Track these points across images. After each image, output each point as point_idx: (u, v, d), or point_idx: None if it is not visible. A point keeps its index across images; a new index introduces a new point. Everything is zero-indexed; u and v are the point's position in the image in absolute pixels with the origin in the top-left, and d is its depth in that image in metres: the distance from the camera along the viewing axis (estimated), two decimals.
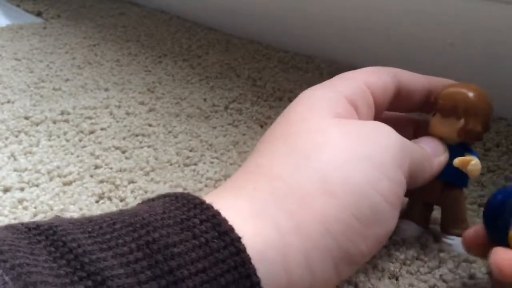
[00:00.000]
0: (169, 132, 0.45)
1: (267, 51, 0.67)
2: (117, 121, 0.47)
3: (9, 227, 0.18)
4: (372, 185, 0.23)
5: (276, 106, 0.51)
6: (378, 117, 0.29)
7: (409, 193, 0.30)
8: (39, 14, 0.89)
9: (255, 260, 0.19)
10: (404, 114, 0.33)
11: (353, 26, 0.60)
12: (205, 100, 0.52)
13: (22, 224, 0.18)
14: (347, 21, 0.61)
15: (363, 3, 0.59)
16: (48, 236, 0.18)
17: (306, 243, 0.21)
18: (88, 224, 0.18)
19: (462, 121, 0.29)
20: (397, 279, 0.28)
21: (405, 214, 0.31)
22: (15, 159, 0.40)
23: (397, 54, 0.56)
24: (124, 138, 0.44)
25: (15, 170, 0.38)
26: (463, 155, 0.29)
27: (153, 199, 0.22)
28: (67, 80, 0.58)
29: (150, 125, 0.46)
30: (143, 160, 0.40)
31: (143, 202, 0.22)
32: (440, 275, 0.28)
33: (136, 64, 0.63)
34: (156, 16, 0.86)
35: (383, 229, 0.23)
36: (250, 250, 0.19)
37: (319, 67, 0.61)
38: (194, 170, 0.39)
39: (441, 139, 0.29)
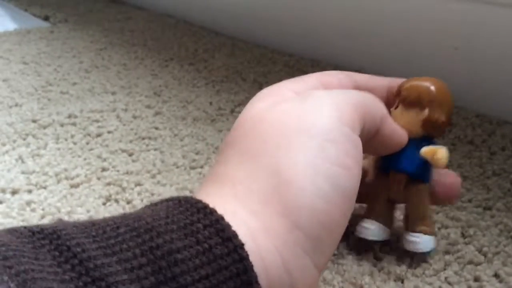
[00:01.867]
0: (175, 135, 0.46)
1: (272, 55, 0.67)
2: (124, 124, 0.47)
3: (12, 231, 0.18)
4: (319, 155, 0.22)
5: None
6: None
7: (372, 191, 0.30)
8: (46, 19, 0.90)
9: None
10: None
11: (358, 30, 0.60)
12: (211, 103, 0.53)
13: (25, 227, 0.18)
14: (352, 26, 0.61)
15: (368, 8, 0.59)
16: (52, 240, 0.18)
17: (276, 242, 0.21)
18: (92, 228, 0.18)
19: (426, 111, 0.28)
20: (402, 282, 0.28)
21: (368, 213, 0.30)
22: (23, 162, 0.41)
23: (402, 58, 0.56)
24: (131, 141, 0.44)
25: (23, 173, 0.39)
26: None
27: (156, 203, 0.22)
28: (74, 83, 0.58)
29: (156, 128, 0.47)
30: (150, 162, 0.41)
31: (147, 206, 0.22)
32: (445, 278, 0.28)
33: (142, 68, 0.64)
34: (163, 20, 0.87)
35: (347, 193, 0.23)
36: None
37: (324, 70, 0.61)
38: (200, 173, 0.39)
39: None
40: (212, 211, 0.20)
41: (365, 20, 0.59)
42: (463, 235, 0.32)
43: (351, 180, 0.23)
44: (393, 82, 0.31)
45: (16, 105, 0.52)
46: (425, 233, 0.29)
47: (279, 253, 0.20)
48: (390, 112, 0.28)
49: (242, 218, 0.21)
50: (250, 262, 0.19)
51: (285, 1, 0.68)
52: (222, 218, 0.20)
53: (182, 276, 0.18)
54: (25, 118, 0.48)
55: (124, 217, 0.20)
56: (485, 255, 0.30)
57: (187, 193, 0.36)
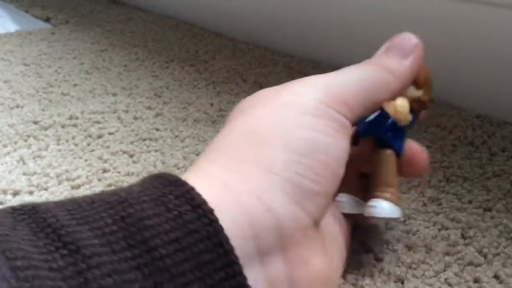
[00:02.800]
0: (176, 136, 0.46)
1: (273, 56, 0.68)
2: (125, 126, 0.48)
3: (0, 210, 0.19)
4: (293, 123, 0.24)
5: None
6: None
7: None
8: (47, 20, 0.90)
9: (228, 228, 0.20)
10: None
11: (359, 32, 0.61)
12: (211, 104, 0.53)
13: (10, 206, 0.19)
14: (353, 27, 0.61)
15: (369, 9, 0.59)
16: (30, 215, 0.19)
17: (253, 187, 0.22)
18: (68, 204, 0.20)
19: (421, 91, 0.29)
20: (402, 283, 0.28)
21: (342, 186, 0.27)
22: (24, 163, 0.41)
23: None
24: (131, 143, 0.44)
25: (24, 174, 0.39)
26: (403, 131, 0.28)
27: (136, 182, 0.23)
28: (75, 85, 0.58)
29: (157, 130, 0.47)
30: (151, 164, 0.41)
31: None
32: (445, 279, 0.29)
33: (143, 69, 0.64)
34: (164, 21, 0.87)
35: (326, 155, 0.23)
36: (224, 220, 0.20)
37: (325, 72, 0.61)
38: None
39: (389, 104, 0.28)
40: (183, 183, 0.21)
41: (366, 22, 0.59)
42: (463, 236, 0.32)
43: (329, 142, 0.24)
44: None
45: (17, 106, 0.52)
46: (386, 199, 0.27)
47: (258, 195, 0.21)
48: None
49: (214, 173, 0.22)
50: (220, 225, 0.19)
51: (286, 2, 0.69)
52: (192, 188, 0.20)
53: (152, 239, 0.18)
54: (26, 119, 0.48)
55: (101, 193, 0.21)
56: (485, 256, 0.30)
57: None
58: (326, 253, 0.24)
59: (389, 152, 0.28)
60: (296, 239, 0.22)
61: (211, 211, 0.19)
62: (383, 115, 0.28)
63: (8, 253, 0.16)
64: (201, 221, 0.19)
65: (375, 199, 0.28)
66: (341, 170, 0.25)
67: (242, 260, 0.19)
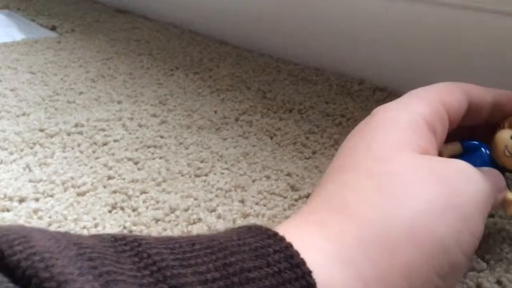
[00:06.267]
0: (181, 143, 0.46)
1: (277, 64, 0.68)
2: (130, 133, 0.48)
3: (96, 236, 0.19)
4: (455, 239, 0.22)
5: (286, 118, 0.51)
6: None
7: None
8: (53, 29, 0.91)
9: None
10: None
11: (362, 39, 0.61)
12: (216, 112, 0.53)
13: (109, 234, 0.19)
14: (356, 34, 0.61)
15: (372, 16, 0.59)
16: (133, 247, 0.18)
17: None
18: (170, 242, 0.19)
19: None
20: None
21: None
22: (30, 170, 0.41)
23: (406, 66, 0.56)
24: (136, 150, 0.45)
25: (30, 181, 0.39)
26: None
27: (226, 230, 0.22)
28: (81, 93, 0.59)
29: (162, 137, 0.47)
30: (155, 171, 0.41)
31: (217, 232, 0.22)
32: None
33: (148, 77, 0.64)
34: (168, 30, 0.88)
35: (456, 280, 0.23)
36: None
37: (329, 79, 0.62)
38: (205, 181, 0.40)
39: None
40: (282, 238, 0.20)
41: (369, 29, 0.60)
42: None
43: (464, 266, 0.23)
44: (499, 98, 0.30)
45: (24, 114, 0.52)
46: None
47: None
48: (495, 132, 0.29)
49: (358, 263, 0.21)
50: None
51: (290, 10, 0.69)
52: (291, 245, 0.20)
53: None
54: (32, 127, 0.49)
55: (198, 236, 0.20)
56: (487, 262, 0.30)
57: (191, 201, 0.37)
58: None
59: None
60: None
61: (309, 273, 0.19)
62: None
63: None
64: (300, 283, 0.19)
65: None
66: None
67: None
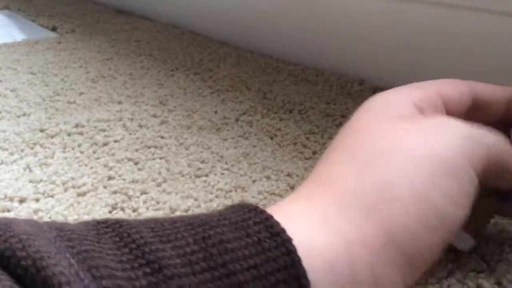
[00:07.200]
0: (181, 144, 0.46)
1: (277, 64, 0.68)
2: (130, 134, 0.48)
3: (83, 222, 0.20)
4: (437, 186, 0.22)
5: (286, 118, 0.51)
6: None
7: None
8: (54, 29, 0.91)
9: (322, 270, 0.20)
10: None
11: (362, 39, 0.61)
12: (216, 112, 0.53)
13: (93, 219, 0.20)
14: (356, 35, 0.62)
15: (372, 17, 0.59)
16: (114, 228, 0.19)
17: (372, 256, 0.21)
18: (151, 222, 0.20)
19: None
20: None
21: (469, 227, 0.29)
22: (30, 171, 0.41)
23: (406, 67, 0.56)
24: (136, 150, 0.45)
25: (30, 181, 0.39)
26: None
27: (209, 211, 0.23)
28: (81, 93, 0.59)
29: (162, 137, 0.47)
30: (155, 171, 0.41)
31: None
32: (448, 286, 0.29)
33: (148, 77, 0.64)
34: (169, 30, 0.88)
35: (447, 231, 0.22)
36: (320, 260, 0.20)
37: (329, 80, 0.62)
38: (205, 181, 0.40)
39: None
40: (262, 211, 0.21)
41: (369, 30, 0.60)
42: None
43: (460, 218, 0.22)
44: None
45: (24, 114, 0.52)
46: (468, 234, 0.29)
47: (373, 266, 0.21)
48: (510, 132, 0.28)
49: (340, 226, 0.21)
50: (298, 256, 0.19)
51: (290, 11, 0.69)
52: (271, 216, 0.20)
53: (231, 263, 0.18)
54: (32, 127, 0.49)
55: (181, 216, 0.21)
56: (488, 263, 0.30)
57: (192, 201, 0.37)
58: None
59: (495, 199, 0.29)
60: None
61: (289, 240, 0.19)
62: None
63: (95, 271, 0.17)
64: (279, 250, 0.19)
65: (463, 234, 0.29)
66: (451, 240, 0.23)
67: None
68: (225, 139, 0.47)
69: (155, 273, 0.17)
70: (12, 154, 0.44)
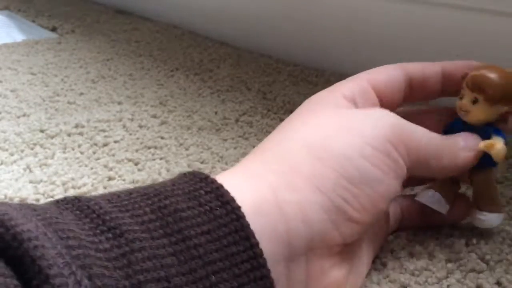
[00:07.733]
0: (181, 144, 0.46)
1: (277, 65, 0.68)
2: (130, 134, 0.48)
3: (43, 203, 0.21)
4: (354, 149, 0.25)
5: (286, 118, 0.51)
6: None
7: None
8: (54, 30, 0.91)
9: (252, 214, 0.22)
10: (425, 108, 0.34)
11: (362, 40, 0.61)
12: (216, 113, 0.53)
13: (54, 199, 0.21)
14: (356, 36, 0.62)
15: (372, 18, 0.59)
16: (74, 203, 0.20)
17: (298, 197, 0.23)
18: (108, 195, 0.22)
19: (506, 107, 0.29)
20: None
21: (432, 184, 0.31)
22: (30, 171, 0.41)
23: None
24: (136, 151, 0.45)
25: (30, 182, 0.39)
26: (489, 137, 0.29)
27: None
28: (81, 94, 0.59)
29: (162, 138, 0.47)
30: (155, 172, 0.41)
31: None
32: (448, 286, 0.29)
33: (148, 78, 0.64)
34: (169, 31, 0.88)
35: (374, 190, 0.25)
36: (249, 206, 0.22)
37: (329, 80, 0.62)
38: None
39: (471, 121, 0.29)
40: (213, 181, 0.22)
41: (369, 31, 0.60)
42: (466, 244, 0.32)
43: (381, 179, 0.25)
44: (448, 66, 0.31)
45: (24, 115, 0.52)
46: (492, 212, 0.31)
47: (301, 206, 0.23)
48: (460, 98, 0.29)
49: (265, 177, 0.24)
50: (247, 221, 0.21)
51: (290, 11, 0.69)
52: (221, 186, 0.22)
53: (186, 230, 0.20)
54: (32, 128, 0.49)
55: (136, 187, 0.23)
56: (487, 263, 0.30)
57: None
58: (346, 268, 0.25)
59: (488, 170, 0.31)
60: (322, 253, 0.24)
61: (238, 207, 0.21)
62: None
63: (61, 233, 0.18)
64: (230, 217, 0.21)
65: (483, 212, 0.31)
66: (384, 206, 0.26)
67: (271, 262, 0.21)
68: (225, 140, 0.47)
69: (117, 237, 0.19)
70: (12, 154, 0.44)
